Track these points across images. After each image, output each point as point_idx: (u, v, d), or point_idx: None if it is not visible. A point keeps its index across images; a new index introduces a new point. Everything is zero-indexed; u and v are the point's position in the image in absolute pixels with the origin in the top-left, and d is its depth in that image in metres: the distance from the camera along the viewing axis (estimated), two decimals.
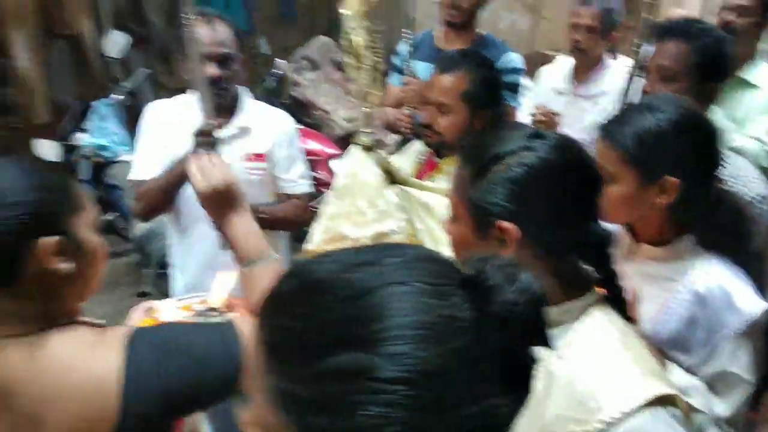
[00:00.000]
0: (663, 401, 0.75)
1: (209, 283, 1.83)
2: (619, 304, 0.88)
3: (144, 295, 1.76)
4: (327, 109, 3.96)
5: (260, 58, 3.64)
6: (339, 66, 4.26)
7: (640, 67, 1.78)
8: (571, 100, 2.44)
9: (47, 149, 2.76)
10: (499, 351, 0.46)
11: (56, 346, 0.85)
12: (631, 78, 1.84)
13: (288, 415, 0.45)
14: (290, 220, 1.89)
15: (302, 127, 3.23)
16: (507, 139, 0.86)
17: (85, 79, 3.46)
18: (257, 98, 1.96)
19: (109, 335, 0.92)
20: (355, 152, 1.56)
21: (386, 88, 2.18)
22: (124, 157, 2.85)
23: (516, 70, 2.16)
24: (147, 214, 1.79)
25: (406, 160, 1.74)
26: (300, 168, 1.90)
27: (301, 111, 3.93)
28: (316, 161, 3.27)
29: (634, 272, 1.10)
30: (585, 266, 0.88)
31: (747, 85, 2.06)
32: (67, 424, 0.84)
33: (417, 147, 1.76)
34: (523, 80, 2.27)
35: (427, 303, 0.45)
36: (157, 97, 3.74)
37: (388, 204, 1.49)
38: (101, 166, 2.87)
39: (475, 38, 2.17)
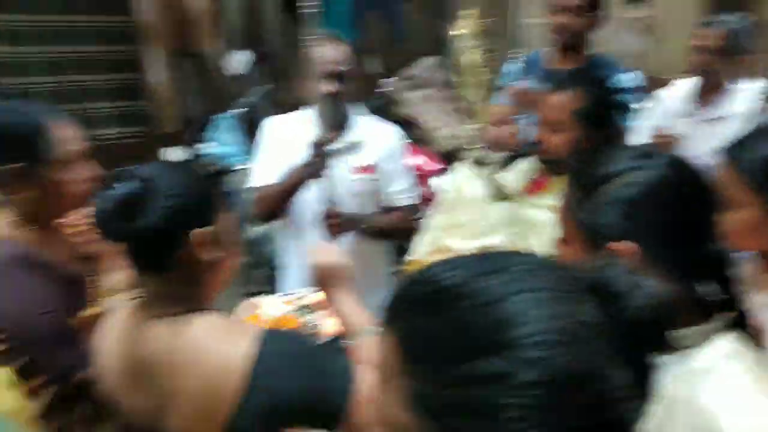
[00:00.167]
0: None
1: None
2: (746, 329, 0.83)
3: (253, 295, 1.87)
4: (432, 126, 4.01)
5: (370, 77, 3.77)
6: (445, 85, 4.31)
7: None
8: (693, 123, 2.32)
9: (174, 157, 3.02)
10: (626, 356, 0.46)
11: (195, 328, 0.93)
12: (764, 101, 1.72)
13: (424, 416, 0.47)
14: (394, 231, 1.94)
15: (407, 142, 3.30)
16: (617, 158, 0.85)
17: (210, 94, 3.76)
18: (368, 115, 2.05)
19: (243, 326, 1.01)
20: (462, 167, 1.58)
21: (492, 107, 2.19)
22: (240, 166, 3.05)
23: (629, 90, 2.09)
24: (264, 218, 1.91)
25: (514, 177, 1.74)
26: (405, 181, 1.95)
27: (407, 128, 4.01)
28: (419, 176, 3.32)
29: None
30: (706, 289, 0.84)
31: None
32: (193, 401, 0.91)
33: (526, 164, 1.75)
34: (639, 102, 2.19)
35: (562, 309, 0.46)
36: (274, 111, 3.99)
37: (493, 219, 1.50)
38: (220, 173, 3.09)
39: (586, 59, 2.13)
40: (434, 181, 3.46)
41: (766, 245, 1.10)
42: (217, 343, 0.93)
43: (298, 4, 3.73)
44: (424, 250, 1.58)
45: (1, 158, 1.19)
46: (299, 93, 1.88)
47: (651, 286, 0.49)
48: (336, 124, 1.82)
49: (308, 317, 1.26)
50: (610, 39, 4.46)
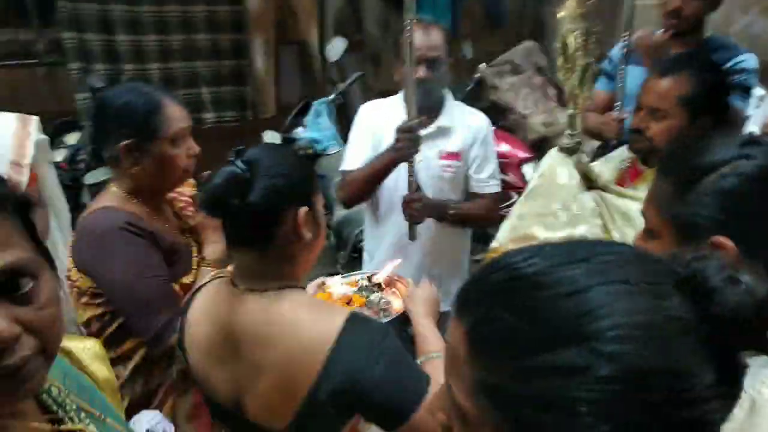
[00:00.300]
0: None
1: (396, 269, 1.95)
2: None
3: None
4: (524, 113, 3.91)
5: (464, 62, 3.73)
6: (541, 70, 4.17)
7: None
8: None
9: (271, 140, 3.15)
10: (715, 355, 0.44)
11: (286, 304, 0.98)
12: None
13: (495, 407, 0.46)
14: (477, 218, 1.93)
15: (497, 129, 3.23)
16: (718, 147, 0.80)
17: (308, 80, 3.88)
18: (459, 100, 2.03)
19: (332, 306, 1.05)
20: (554, 154, 1.54)
21: (593, 93, 2.09)
22: (332, 151, 3.13)
23: (747, 71, 1.92)
24: (350, 202, 1.94)
25: (608, 166, 1.66)
26: (491, 168, 1.92)
27: (499, 114, 3.93)
28: (507, 164, 3.26)
29: None
30: None
31: None
32: (277, 373, 0.95)
33: (621, 153, 1.66)
34: (758, 87, 2.01)
35: (648, 303, 0.44)
36: (365, 97, 4.06)
37: (582, 209, 1.44)
38: (312, 157, 3.19)
39: (700, 42, 1.98)
40: (526, 169, 3.38)
41: None
42: (307, 320, 0.96)
43: None
44: (508, 238, 1.54)
45: (117, 134, 1.31)
46: (393, 77, 1.90)
47: (748, 281, 0.45)
48: (426, 109, 1.82)
49: (373, 296, 1.28)
50: (728, 19, 4.12)
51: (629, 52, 1.98)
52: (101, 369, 0.81)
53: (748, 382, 0.47)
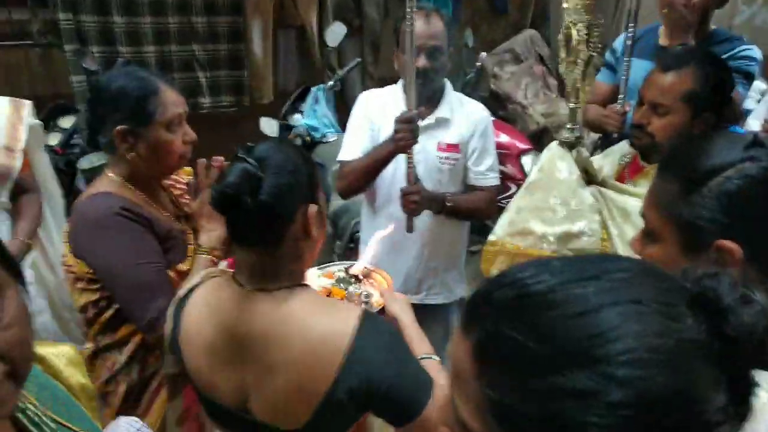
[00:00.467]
0: None
1: (393, 261, 1.94)
2: None
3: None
4: (524, 103, 3.88)
5: (464, 50, 3.69)
6: (542, 60, 4.14)
7: None
8: None
9: (268, 126, 3.11)
10: (726, 375, 0.43)
11: (296, 302, 0.97)
12: None
13: (498, 425, 0.44)
14: (476, 210, 1.91)
15: (496, 119, 3.21)
16: (723, 149, 0.78)
17: (306, 65, 3.83)
18: (458, 90, 2.00)
19: (343, 304, 1.04)
20: (554, 147, 1.52)
21: (594, 85, 2.07)
22: (330, 138, 3.10)
23: (750, 58, 1.90)
24: (347, 193, 1.92)
25: (608, 161, 1.65)
26: (490, 161, 1.91)
27: (498, 104, 3.91)
28: (506, 155, 3.24)
29: None
30: None
31: None
32: (294, 372, 0.94)
33: (622, 147, 1.65)
34: (760, 82, 2.00)
35: (662, 325, 0.43)
36: (364, 83, 4.02)
37: (581, 204, 1.44)
38: (309, 145, 3.16)
39: (705, 36, 1.96)
40: (524, 161, 3.36)
41: None
42: (321, 319, 0.96)
43: None
44: (505, 231, 1.54)
45: (112, 119, 1.29)
46: (393, 65, 1.87)
47: (761, 301, 0.44)
48: (425, 99, 1.80)
49: (351, 288, 1.27)
50: (732, 10, 4.09)
51: (633, 43, 1.96)
52: (75, 375, 0.79)
53: (762, 398, 0.46)
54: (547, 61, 4.15)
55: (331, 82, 3.31)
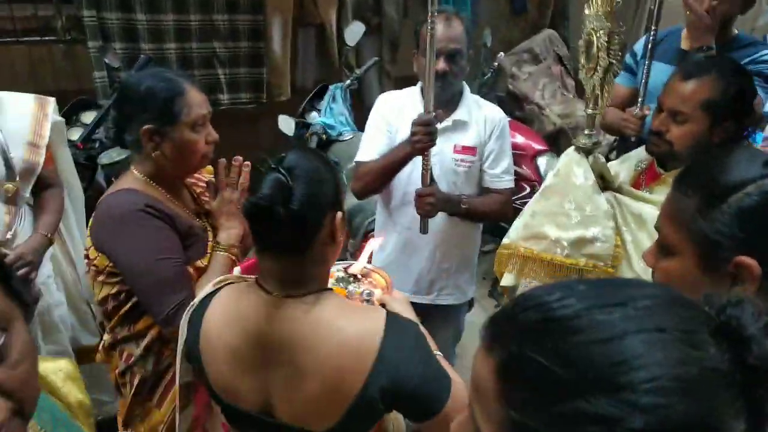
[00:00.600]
0: None
1: (405, 261, 1.95)
2: None
3: None
4: (541, 104, 3.86)
5: (483, 50, 3.68)
6: (561, 60, 4.11)
7: None
8: None
9: (286, 124, 3.13)
10: (749, 402, 0.43)
11: (324, 307, 0.99)
12: None
13: None
14: (490, 213, 1.92)
15: (512, 119, 3.19)
16: (743, 165, 0.79)
17: (325, 64, 3.85)
18: (476, 90, 2.00)
19: (368, 306, 1.06)
20: (571, 153, 1.52)
21: (613, 87, 2.05)
22: (346, 137, 3.11)
23: None
24: (363, 193, 1.94)
25: (624, 167, 1.64)
26: (506, 163, 1.91)
27: (515, 104, 3.89)
28: (521, 156, 3.22)
29: None
30: None
31: None
32: (326, 375, 0.96)
33: (639, 153, 1.64)
34: None
35: (686, 353, 0.43)
36: (381, 83, 4.02)
37: (596, 210, 1.43)
38: (325, 143, 3.18)
39: (727, 40, 1.93)
40: (540, 162, 3.35)
41: None
42: (350, 321, 0.99)
43: None
44: (519, 235, 1.54)
45: (139, 118, 1.33)
46: (415, 69, 1.88)
47: None
48: (444, 102, 1.80)
49: (351, 287, 1.29)
50: (755, 12, 4.02)
51: (654, 46, 1.94)
52: (73, 391, 0.79)
53: None
54: (565, 61, 4.12)
55: (348, 81, 3.32)
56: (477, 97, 1.96)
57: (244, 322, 1.01)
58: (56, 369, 0.79)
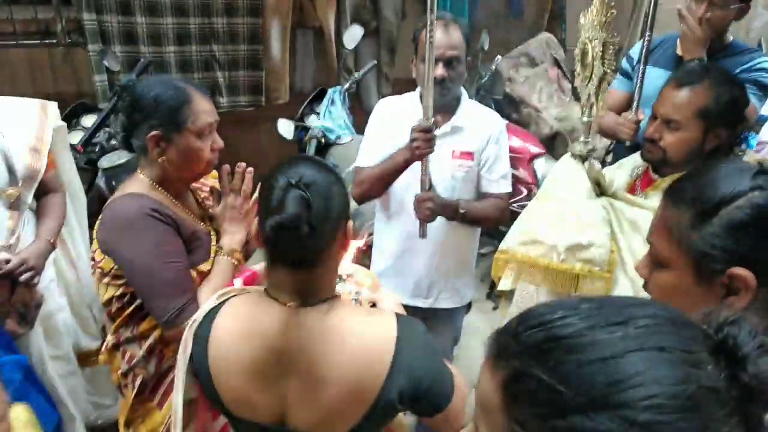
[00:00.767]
0: None
1: (404, 265, 1.97)
2: None
3: None
4: (538, 107, 3.88)
5: (480, 54, 3.70)
6: (558, 63, 4.13)
7: None
8: None
9: (285, 128, 3.14)
10: (744, 419, 0.45)
11: (338, 314, 1.01)
12: None
13: None
14: (488, 217, 1.94)
15: (509, 123, 3.20)
16: (732, 178, 0.81)
17: (323, 67, 3.86)
18: (473, 93, 2.02)
19: (379, 310, 1.07)
20: (567, 159, 1.54)
21: (609, 92, 2.07)
22: (344, 140, 3.13)
23: (767, 71, 1.90)
24: (363, 199, 1.96)
25: (620, 173, 1.66)
26: (503, 168, 1.93)
27: (512, 107, 3.91)
28: (518, 159, 3.24)
29: None
30: None
31: None
32: (345, 381, 0.97)
33: (634, 160, 1.66)
34: None
35: (684, 372, 0.44)
36: (379, 86, 4.04)
37: (592, 215, 1.46)
38: (324, 146, 3.19)
39: (723, 47, 1.96)
40: (536, 165, 3.37)
41: None
42: (365, 326, 1.01)
43: None
44: (516, 240, 1.56)
45: (146, 124, 1.35)
46: (409, 71, 1.90)
47: None
48: (442, 107, 1.82)
49: (337, 287, 1.31)
50: (750, 14, 4.04)
51: (650, 51, 1.96)
52: None
53: None
54: (562, 65, 4.14)
55: (347, 84, 3.34)
56: (475, 102, 1.98)
57: (263, 334, 1.00)
58: (15, 416, 0.78)
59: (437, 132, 1.74)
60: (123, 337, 1.41)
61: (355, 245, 1.47)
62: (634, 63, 2.08)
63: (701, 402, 0.44)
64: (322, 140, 3.10)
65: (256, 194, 1.49)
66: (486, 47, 3.67)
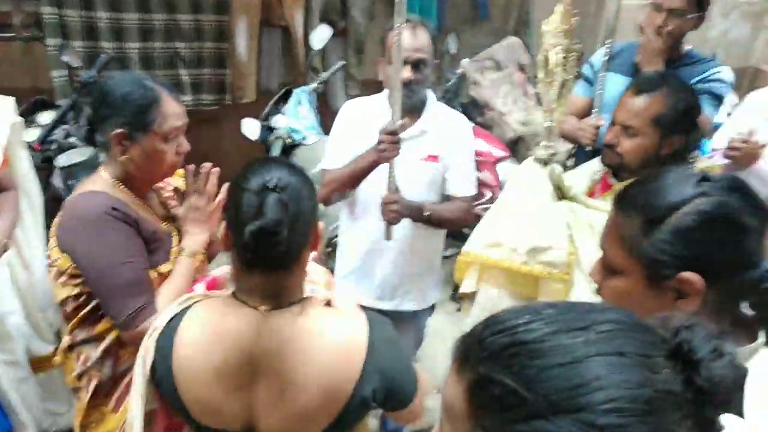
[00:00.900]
0: None
1: (369, 267, 1.98)
2: None
3: None
4: (502, 111, 3.93)
5: (447, 57, 3.73)
6: (523, 68, 4.19)
7: None
8: None
9: (249, 127, 3.11)
10: (700, 422, 0.46)
11: (309, 315, 1.01)
12: None
13: None
14: (454, 220, 1.95)
15: (473, 125, 3.23)
16: (678, 185, 0.84)
17: (290, 66, 3.83)
18: (440, 96, 2.04)
19: (348, 311, 1.07)
20: (529, 163, 1.57)
21: (570, 96, 2.12)
22: (311, 141, 3.11)
23: (721, 81, 1.98)
24: (328, 201, 1.95)
25: (580, 177, 1.70)
26: (468, 171, 1.95)
27: (477, 110, 3.95)
28: (482, 162, 3.27)
29: None
30: (747, 309, 0.83)
31: None
32: (318, 382, 0.97)
33: (595, 165, 1.71)
34: (730, 96, 2.07)
35: (642, 376, 0.46)
36: (346, 86, 4.03)
37: (552, 218, 1.49)
38: (289, 147, 3.17)
39: (679, 56, 2.02)
40: (500, 168, 3.41)
41: None
42: (336, 327, 1.01)
43: None
44: (479, 243, 1.58)
45: (112, 121, 1.32)
46: (376, 72, 1.90)
47: (731, 353, 0.49)
48: (409, 110, 1.83)
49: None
50: (707, 23, 4.17)
51: (612, 57, 2.01)
52: None
53: None
54: (527, 70, 4.21)
55: (314, 84, 3.32)
56: (441, 104, 2.00)
57: (234, 339, 0.99)
58: None
59: (404, 135, 1.75)
60: (78, 338, 1.37)
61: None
62: (595, 69, 2.13)
63: (658, 405, 0.45)
64: (288, 141, 3.07)
65: (220, 196, 1.48)
66: (453, 50, 3.70)
